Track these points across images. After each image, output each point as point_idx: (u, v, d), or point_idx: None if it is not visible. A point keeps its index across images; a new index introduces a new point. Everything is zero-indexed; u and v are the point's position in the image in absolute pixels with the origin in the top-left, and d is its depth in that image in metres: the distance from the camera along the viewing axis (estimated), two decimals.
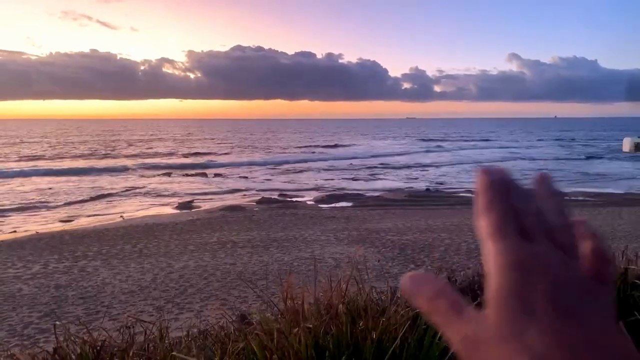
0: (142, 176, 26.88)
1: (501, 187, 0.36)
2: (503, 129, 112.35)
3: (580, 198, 18.52)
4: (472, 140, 63.02)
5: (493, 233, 0.33)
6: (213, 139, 68.60)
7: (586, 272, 0.34)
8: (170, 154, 41.30)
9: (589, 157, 37.45)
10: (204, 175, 27.31)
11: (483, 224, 0.34)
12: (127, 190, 21.01)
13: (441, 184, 23.47)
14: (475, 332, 0.31)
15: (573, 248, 0.35)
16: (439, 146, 51.89)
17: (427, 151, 45.93)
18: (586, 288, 0.32)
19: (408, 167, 31.86)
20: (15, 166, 31.27)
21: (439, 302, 0.33)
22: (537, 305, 0.30)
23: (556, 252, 0.33)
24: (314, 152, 44.79)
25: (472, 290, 2.87)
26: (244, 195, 19.82)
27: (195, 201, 18.20)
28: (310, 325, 1.59)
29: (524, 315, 0.30)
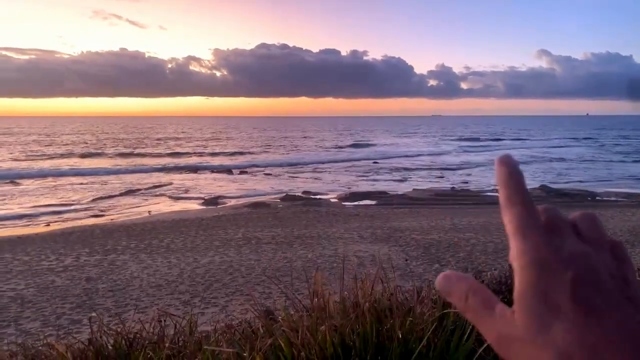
0: (169, 173, 27.39)
1: (519, 178, 0.36)
2: (534, 127, 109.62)
3: (613, 198, 17.95)
4: (503, 139, 61.53)
5: (517, 229, 0.33)
6: (239, 136, 69.28)
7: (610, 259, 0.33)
8: (196, 152, 41.92)
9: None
10: (230, 172, 27.65)
11: (506, 219, 0.34)
12: (154, 187, 21.44)
13: (467, 183, 23.11)
14: (507, 329, 0.32)
15: (598, 238, 0.34)
16: (468, 145, 50.99)
17: (454, 150, 45.24)
18: (613, 280, 0.31)
19: (434, 166, 31.48)
20: (47, 163, 32.34)
21: (472, 299, 0.34)
22: (561, 302, 0.30)
23: (580, 245, 0.33)
24: (339, 150, 44.74)
25: (500, 292, 2.82)
26: (269, 192, 19.96)
27: (220, 198, 18.44)
28: (337, 323, 1.59)
29: (548, 312, 0.30)
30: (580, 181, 23.59)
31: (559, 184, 21.80)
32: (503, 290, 2.91)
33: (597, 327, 0.29)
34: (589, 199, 18.00)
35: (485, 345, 1.97)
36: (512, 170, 0.36)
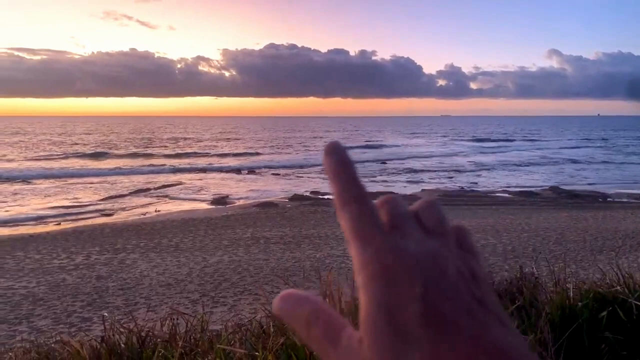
0: (178, 173, 27.55)
1: (351, 169, 0.31)
2: (545, 127, 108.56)
3: (624, 200, 17.74)
4: (514, 140, 60.93)
5: (353, 233, 0.29)
6: (247, 136, 69.51)
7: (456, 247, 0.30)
8: (205, 152, 42.12)
9: None
10: (238, 172, 27.75)
11: (341, 221, 0.30)
12: (163, 187, 21.57)
13: (476, 183, 22.99)
14: None
15: (442, 227, 0.31)
16: (477, 146, 50.67)
17: (464, 151, 44.98)
18: (463, 279, 0.28)
19: (443, 167, 31.34)
20: (58, 163, 32.70)
21: (314, 328, 0.28)
22: (410, 324, 0.25)
23: (426, 242, 0.29)
24: (348, 151, 44.62)
25: (510, 293, 2.80)
26: (277, 192, 20.00)
27: (229, 197, 18.52)
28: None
29: (397, 338, 0.25)
30: (592, 182, 23.36)
31: (570, 185, 21.60)
32: (514, 292, 2.89)
33: (450, 349, 0.25)
34: (600, 200, 17.82)
35: None
36: (341, 160, 0.31)
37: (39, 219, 14.33)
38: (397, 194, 0.33)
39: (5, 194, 18.93)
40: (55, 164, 30.92)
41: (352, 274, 0.29)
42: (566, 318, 2.45)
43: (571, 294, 2.60)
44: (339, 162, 0.31)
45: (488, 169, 29.31)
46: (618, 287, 2.64)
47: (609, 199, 17.94)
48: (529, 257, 8.04)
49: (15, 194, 19.17)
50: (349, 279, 2.39)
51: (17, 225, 13.47)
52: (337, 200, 0.30)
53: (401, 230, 0.29)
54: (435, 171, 28.55)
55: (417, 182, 23.57)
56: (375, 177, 25.77)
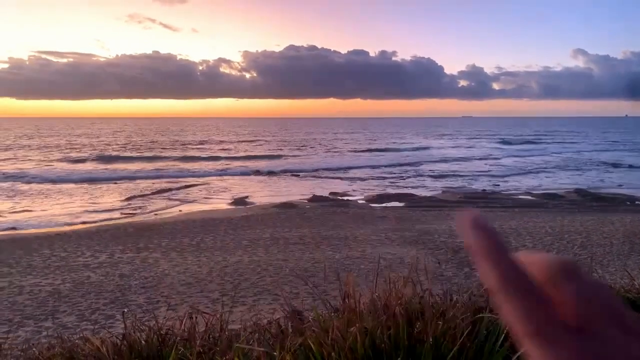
0: (200, 174, 27.89)
1: (507, 252, 0.26)
2: (570, 128, 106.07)
3: None
4: (536, 142, 59.63)
5: (533, 331, 0.24)
6: (268, 137, 69.91)
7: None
8: (226, 153, 42.53)
9: None
10: (258, 173, 27.94)
11: (507, 311, 0.25)
12: (185, 187, 21.87)
13: (498, 185, 22.62)
14: None
15: (627, 319, 0.25)
16: (500, 147, 49.89)
17: (486, 152, 44.31)
18: None
19: (464, 168, 30.95)
20: (82, 165, 33.51)
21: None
22: None
23: (629, 347, 0.23)
24: (368, 152, 44.53)
25: None
26: (296, 193, 20.05)
27: (249, 198, 18.64)
28: (367, 325, 1.58)
29: None
30: (619, 185, 22.72)
31: (596, 188, 21.05)
32: None
33: None
34: (628, 203, 17.31)
35: (519, 352, 1.91)
36: (494, 239, 0.27)
37: (65, 219, 14.67)
38: (578, 264, 0.28)
39: (31, 195, 19.48)
40: (80, 166, 31.70)
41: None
42: None
43: None
44: (493, 241, 0.27)
45: (511, 171, 28.81)
46: None
47: (637, 202, 17.42)
48: None
49: (41, 194, 19.71)
50: (368, 280, 2.37)
51: (44, 225, 13.83)
52: (498, 288, 0.26)
53: (599, 335, 0.23)
54: (457, 173, 28.20)
55: (437, 183, 23.31)
56: (395, 178, 25.60)
